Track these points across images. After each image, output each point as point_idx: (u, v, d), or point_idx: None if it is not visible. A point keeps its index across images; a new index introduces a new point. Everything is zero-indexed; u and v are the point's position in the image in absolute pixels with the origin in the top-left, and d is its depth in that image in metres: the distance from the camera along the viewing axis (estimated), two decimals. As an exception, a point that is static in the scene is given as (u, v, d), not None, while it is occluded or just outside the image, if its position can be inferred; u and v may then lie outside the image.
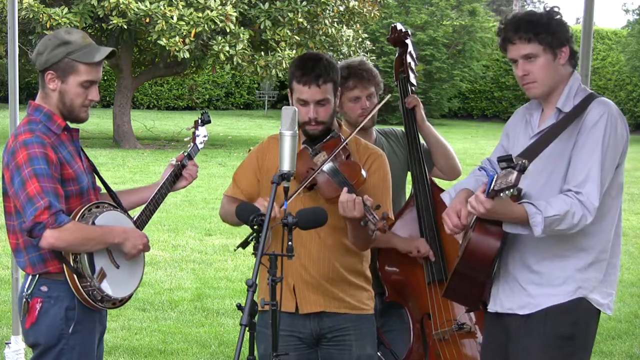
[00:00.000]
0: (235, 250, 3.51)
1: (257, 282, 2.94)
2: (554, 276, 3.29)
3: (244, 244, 3.37)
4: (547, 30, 3.26)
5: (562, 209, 3.12)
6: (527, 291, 3.32)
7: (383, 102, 3.98)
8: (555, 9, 3.31)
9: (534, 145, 3.27)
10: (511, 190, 2.87)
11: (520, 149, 3.36)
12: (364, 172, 3.56)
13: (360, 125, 3.82)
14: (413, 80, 4.42)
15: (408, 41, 4.45)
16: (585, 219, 3.16)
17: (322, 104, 3.60)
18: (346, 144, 3.61)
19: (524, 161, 2.88)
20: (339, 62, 3.86)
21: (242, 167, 3.82)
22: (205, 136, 4.08)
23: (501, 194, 2.90)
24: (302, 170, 3.51)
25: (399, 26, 4.47)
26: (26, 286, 3.42)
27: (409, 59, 4.41)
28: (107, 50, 3.44)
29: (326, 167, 3.54)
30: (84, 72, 3.41)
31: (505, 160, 2.90)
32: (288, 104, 3.51)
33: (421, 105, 4.35)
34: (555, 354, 3.29)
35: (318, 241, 3.65)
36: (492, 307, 3.42)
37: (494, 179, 2.95)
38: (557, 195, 3.20)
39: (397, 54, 4.47)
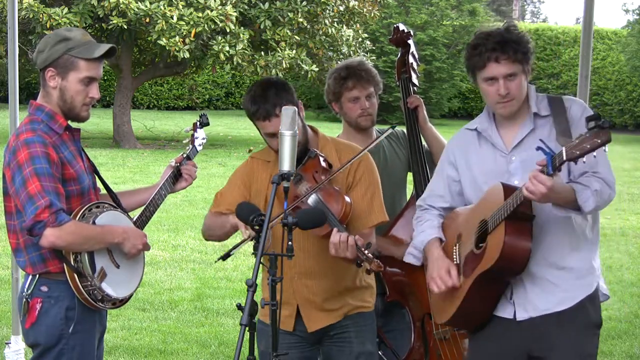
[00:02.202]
0: (215, 262, 3.55)
1: (257, 282, 2.95)
2: (580, 268, 3.36)
3: (225, 256, 3.41)
4: (524, 50, 3.31)
5: (598, 185, 3.20)
6: (560, 287, 3.34)
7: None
8: (512, 27, 3.34)
9: (561, 131, 3.27)
10: (605, 147, 2.88)
11: (494, 168, 3.37)
12: (347, 199, 3.52)
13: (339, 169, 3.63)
14: (415, 80, 4.42)
15: (410, 41, 4.45)
16: (611, 196, 3.26)
17: None
18: (324, 161, 3.57)
19: (604, 119, 2.88)
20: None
21: (227, 188, 3.78)
22: (204, 138, 4.08)
23: (598, 151, 2.86)
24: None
25: (402, 26, 4.47)
26: (26, 286, 3.42)
27: (411, 59, 4.42)
28: (106, 46, 3.43)
29: (310, 200, 3.50)
30: (84, 68, 3.40)
31: (594, 119, 2.89)
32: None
33: (423, 105, 4.35)
34: (588, 342, 3.37)
35: (318, 259, 3.63)
36: (523, 315, 3.37)
37: (554, 157, 2.94)
38: (581, 177, 3.25)
39: (399, 54, 4.47)
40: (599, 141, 2.86)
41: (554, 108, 3.37)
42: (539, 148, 3.00)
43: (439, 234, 3.55)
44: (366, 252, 3.34)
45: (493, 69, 3.29)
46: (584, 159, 2.89)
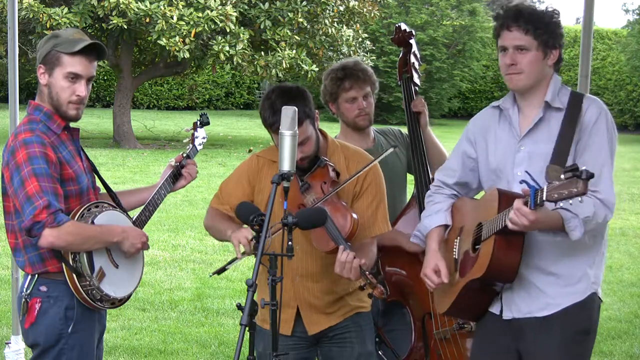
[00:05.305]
0: (210, 276, 3.56)
1: (256, 282, 2.95)
2: (570, 275, 3.30)
3: (220, 271, 3.42)
4: (546, 28, 3.26)
5: (590, 210, 3.12)
6: (545, 293, 3.31)
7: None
8: (556, 12, 3.32)
9: (557, 153, 3.22)
10: (580, 197, 2.81)
11: (505, 153, 3.34)
12: (355, 217, 3.51)
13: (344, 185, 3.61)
14: (417, 80, 4.42)
15: (412, 41, 4.45)
16: (607, 217, 3.20)
17: (304, 143, 3.51)
18: (332, 171, 3.57)
19: (587, 170, 2.81)
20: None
21: (231, 183, 3.76)
22: (204, 138, 4.08)
23: (570, 201, 2.83)
24: (292, 207, 3.41)
25: (403, 26, 4.47)
26: (25, 286, 3.42)
27: (412, 59, 4.42)
28: (87, 41, 3.39)
29: None
30: (67, 63, 3.38)
31: (572, 170, 2.83)
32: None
33: (427, 111, 4.34)
34: (576, 348, 3.32)
35: (320, 261, 3.63)
36: (507, 314, 3.38)
37: (537, 191, 2.91)
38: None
39: (400, 54, 4.47)
40: (575, 190, 2.81)
41: (571, 104, 3.29)
42: (522, 181, 2.98)
43: (445, 220, 3.49)
44: (369, 276, 3.35)
45: (505, 38, 3.29)
46: (562, 203, 2.86)
